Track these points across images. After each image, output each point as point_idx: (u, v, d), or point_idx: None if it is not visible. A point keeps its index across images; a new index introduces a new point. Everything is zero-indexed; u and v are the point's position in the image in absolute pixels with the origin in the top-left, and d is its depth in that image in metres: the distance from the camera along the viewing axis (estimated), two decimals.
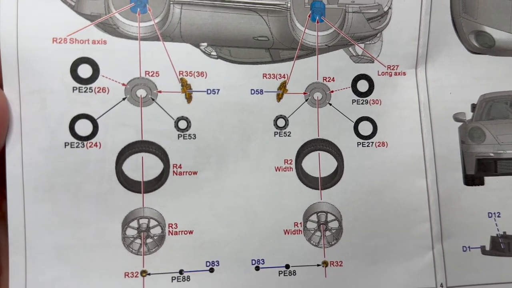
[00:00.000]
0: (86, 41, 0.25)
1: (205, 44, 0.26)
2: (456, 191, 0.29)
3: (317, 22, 0.28)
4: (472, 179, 0.29)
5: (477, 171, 0.30)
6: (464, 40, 0.30)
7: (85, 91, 0.25)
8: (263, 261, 0.27)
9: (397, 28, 0.29)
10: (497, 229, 0.29)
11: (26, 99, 0.25)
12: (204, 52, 0.27)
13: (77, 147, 0.25)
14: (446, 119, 0.30)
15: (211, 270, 0.27)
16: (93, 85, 0.26)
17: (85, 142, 0.26)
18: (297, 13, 0.28)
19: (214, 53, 0.27)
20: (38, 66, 0.25)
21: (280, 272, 0.27)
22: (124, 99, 0.26)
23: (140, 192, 0.26)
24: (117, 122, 0.26)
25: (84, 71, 0.25)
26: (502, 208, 0.29)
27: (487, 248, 0.29)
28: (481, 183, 0.30)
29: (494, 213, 0.29)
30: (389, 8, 0.29)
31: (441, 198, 0.29)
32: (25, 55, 0.25)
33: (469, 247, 0.29)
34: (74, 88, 0.25)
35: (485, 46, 0.30)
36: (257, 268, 0.27)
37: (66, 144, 0.25)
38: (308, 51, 0.28)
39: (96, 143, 0.26)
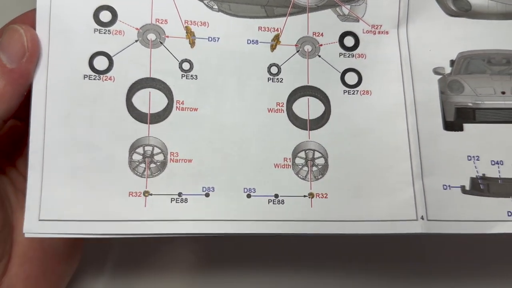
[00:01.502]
0: None
1: None
2: (436, 135, 0.31)
3: None
4: (452, 125, 0.32)
5: (457, 118, 0.32)
6: (442, 4, 0.33)
7: (104, 33, 0.30)
8: (254, 190, 0.30)
9: None
10: (477, 171, 0.31)
11: (54, 37, 0.29)
12: (207, 6, 0.31)
13: (94, 79, 0.30)
14: (426, 72, 0.33)
15: (207, 195, 0.29)
16: (111, 28, 0.30)
17: (101, 76, 0.30)
18: None
19: (215, 6, 0.31)
20: (66, 10, 0.30)
21: (270, 200, 0.30)
22: (136, 41, 0.30)
23: (146, 123, 0.30)
24: (129, 60, 0.30)
25: (105, 16, 0.30)
26: (481, 152, 0.31)
27: (467, 188, 0.31)
28: (460, 129, 0.32)
29: (474, 157, 0.31)
30: None
31: (421, 139, 0.31)
32: (56, 1, 0.29)
33: (449, 185, 0.31)
34: (95, 30, 0.30)
35: (462, 10, 0.34)
36: (249, 196, 0.30)
37: (85, 76, 0.29)
38: (300, 9, 0.32)
39: (110, 77, 0.30)
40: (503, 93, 0.33)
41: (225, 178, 0.30)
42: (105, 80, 0.30)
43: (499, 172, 0.31)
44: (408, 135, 0.31)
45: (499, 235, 0.30)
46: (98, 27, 0.30)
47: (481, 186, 0.31)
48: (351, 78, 0.32)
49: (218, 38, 0.31)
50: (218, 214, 0.29)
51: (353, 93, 0.32)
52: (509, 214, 0.31)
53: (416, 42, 0.33)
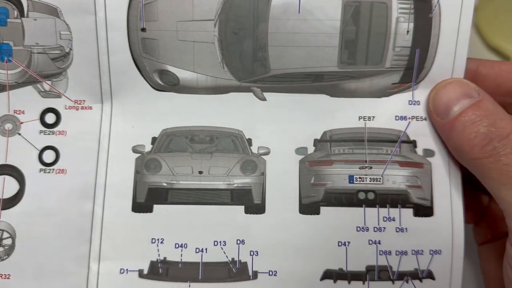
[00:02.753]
0: None
1: None
2: (123, 217, 0.32)
3: (6, 62, 0.32)
4: (141, 207, 0.32)
5: (148, 199, 0.32)
6: (148, 78, 0.33)
7: None
8: None
9: (79, 67, 0.32)
10: (158, 254, 0.32)
11: None
12: None
13: None
14: (125, 151, 0.33)
15: None
16: None
17: None
18: None
19: None
20: None
21: None
22: None
23: None
24: None
25: None
26: (166, 234, 0.32)
27: (145, 271, 0.31)
28: (150, 210, 0.32)
29: (158, 239, 0.32)
30: (70, 49, 0.32)
31: (105, 222, 0.32)
32: None
33: (127, 269, 0.31)
34: None
35: (169, 84, 0.33)
36: None
37: None
38: (0, 87, 0.33)
39: None
40: (200, 172, 0.32)
41: None
42: None
43: (181, 256, 0.32)
44: (92, 218, 0.32)
45: None
46: None
47: (160, 270, 0.31)
48: (48, 156, 0.33)
49: None
50: None
51: (49, 172, 0.32)
52: None
53: (119, 118, 0.33)
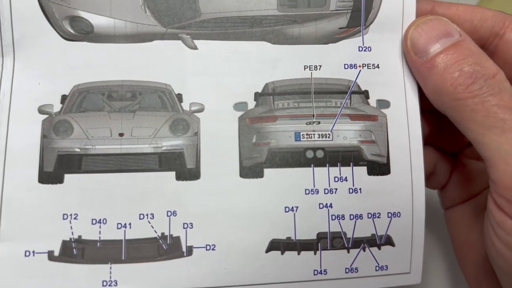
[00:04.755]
0: None
1: None
2: (26, 190, 0.26)
3: None
4: (49, 177, 0.26)
5: (57, 168, 0.27)
6: (57, 27, 0.28)
7: None
8: None
9: None
10: (72, 232, 0.26)
11: None
12: None
13: None
14: (29, 112, 0.27)
15: None
16: None
17: None
18: None
19: None
20: None
21: None
22: None
23: None
24: None
25: None
26: (80, 209, 0.26)
27: (56, 253, 0.26)
28: (60, 181, 0.27)
29: (71, 215, 0.26)
30: None
31: (5, 197, 0.26)
32: None
33: (33, 251, 0.26)
34: None
35: (82, 32, 0.28)
36: None
37: None
38: None
39: None
40: (121, 135, 0.27)
41: None
42: None
43: (99, 233, 0.26)
44: None
45: None
46: None
47: (75, 251, 0.26)
48: None
49: None
50: None
51: None
52: (105, 284, 0.26)
53: (23, 73, 0.27)
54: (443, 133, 0.32)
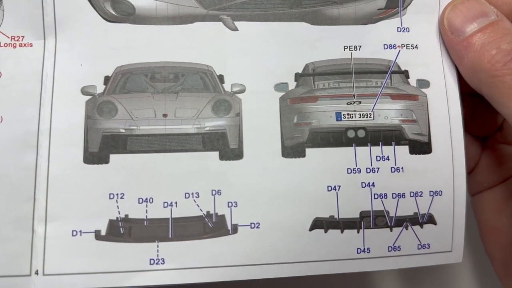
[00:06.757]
0: None
1: None
2: (73, 170, 0.26)
3: None
4: (95, 157, 0.27)
5: (103, 149, 0.27)
6: (99, 8, 0.28)
7: None
8: None
9: None
10: (118, 211, 0.26)
11: None
12: None
13: None
14: (72, 93, 0.27)
15: None
16: None
17: None
18: None
19: None
20: None
21: None
22: None
23: None
24: None
25: None
26: (127, 188, 0.27)
27: (103, 232, 0.26)
28: (106, 161, 0.27)
29: (117, 194, 0.27)
30: None
31: (52, 176, 0.26)
32: None
33: (80, 231, 0.26)
34: None
35: (123, 14, 0.28)
36: None
37: None
38: None
39: None
40: (165, 115, 0.27)
41: None
42: None
43: (146, 212, 0.26)
44: (35, 171, 0.26)
45: None
46: None
47: (122, 230, 0.26)
48: None
49: None
50: None
51: None
52: (152, 262, 0.26)
53: (65, 55, 0.27)
54: (473, 117, 0.33)
